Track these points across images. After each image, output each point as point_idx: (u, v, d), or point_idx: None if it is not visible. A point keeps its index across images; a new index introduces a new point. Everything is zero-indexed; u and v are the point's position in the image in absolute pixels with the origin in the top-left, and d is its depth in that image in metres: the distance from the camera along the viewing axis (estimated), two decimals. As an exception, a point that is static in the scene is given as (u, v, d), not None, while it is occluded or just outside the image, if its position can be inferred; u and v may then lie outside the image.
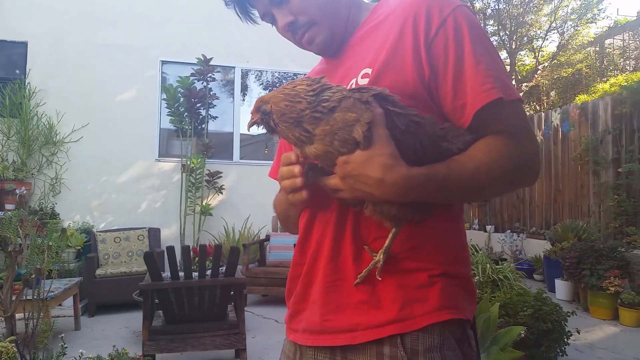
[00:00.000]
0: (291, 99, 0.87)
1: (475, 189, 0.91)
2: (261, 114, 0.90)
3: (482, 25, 0.98)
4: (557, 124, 7.98)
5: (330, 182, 0.90)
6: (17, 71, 7.29)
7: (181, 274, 3.66)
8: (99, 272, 5.82)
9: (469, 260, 1.05)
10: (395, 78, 0.95)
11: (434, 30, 0.94)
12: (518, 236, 7.89)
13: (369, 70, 0.98)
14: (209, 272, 3.70)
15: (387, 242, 0.92)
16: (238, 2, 1.12)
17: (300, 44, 1.10)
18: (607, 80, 10.66)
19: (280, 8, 1.06)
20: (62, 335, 3.50)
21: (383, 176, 0.82)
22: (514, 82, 11.94)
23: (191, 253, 3.92)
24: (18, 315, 3.71)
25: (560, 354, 3.72)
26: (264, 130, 0.93)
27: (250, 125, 0.95)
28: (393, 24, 0.99)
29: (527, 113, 12.09)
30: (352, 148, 0.84)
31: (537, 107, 12.95)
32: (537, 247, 7.50)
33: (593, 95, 9.98)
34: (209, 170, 7.56)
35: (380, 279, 0.92)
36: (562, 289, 6.10)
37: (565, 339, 3.71)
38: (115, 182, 7.49)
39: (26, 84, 7.07)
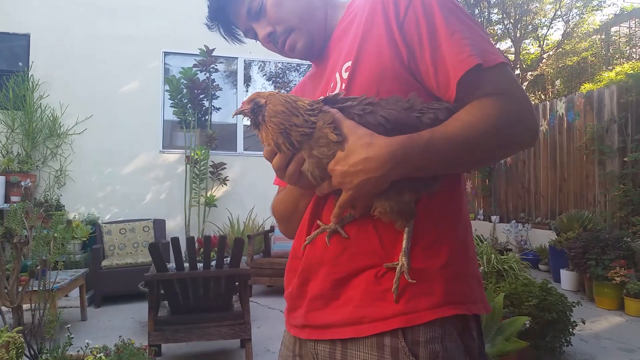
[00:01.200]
0: (290, 108, 0.88)
1: (466, 149, 0.88)
2: (253, 105, 0.91)
3: None
4: (562, 113, 7.93)
5: (340, 200, 0.92)
6: (20, 63, 7.28)
7: (186, 264, 3.66)
8: (104, 263, 5.85)
9: (475, 255, 1.04)
10: (374, 66, 0.96)
11: (403, 11, 0.94)
12: (523, 226, 7.88)
13: (349, 64, 0.99)
14: (213, 263, 3.71)
15: (404, 244, 0.91)
16: (222, 24, 1.16)
17: (283, 52, 1.12)
18: (613, 68, 10.58)
19: (259, 21, 1.09)
20: (69, 325, 3.52)
21: (367, 154, 0.84)
22: (518, 71, 11.86)
23: (196, 244, 3.93)
24: (25, 307, 3.74)
25: (565, 344, 3.72)
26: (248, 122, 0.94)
27: (237, 112, 0.95)
28: (364, 14, 1.00)
29: (532, 102, 12.03)
30: (334, 153, 0.88)
31: (542, 96, 12.88)
32: (542, 237, 7.49)
33: (598, 84, 9.91)
34: (213, 162, 7.56)
35: (412, 281, 0.89)
36: (567, 279, 6.09)
37: (571, 329, 3.70)
38: (120, 173, 7.50)
39: (29, 76, 7.07)
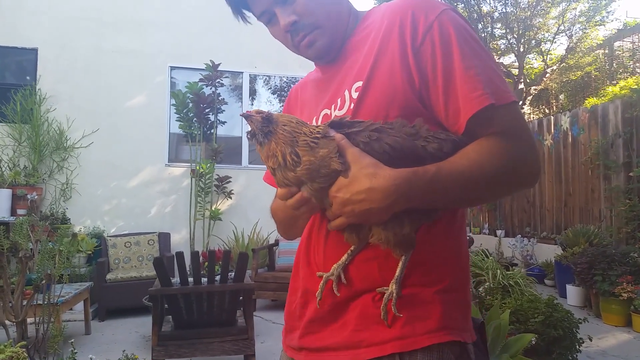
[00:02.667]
0: (296, 128, 0.89)
1: (469, 188, 0.89)
2: (264, 115, 0.91)
3: (470, 28, 0.97)
4: (567, 128, 7.93)
5: (335, 223, 0.92)
6: (28, 77, 7.36)
7: (190, 279, 3.66)
8: (109, 276, 5.85)
9: (469, 278, 1.04)
10: (385, 89, 0.95)
11: (421, 37, 0.93)
12: (529, 241, 7.84)
13: (360, 84, 0.98)
14: (218, 277, 3.70)
15: (397, 271, 0.91)
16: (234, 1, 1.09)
17: (297, 47, 1.06)
18: (617, 83, 10.59)
19: (284, 7, 1.01)
20: (72, 340, 3.51)
21: (370, 184, 0.84)
22: (522, 86, 11.88)
23: (200, 258, 3.94)
24: (29, 320, 3.74)
25: (572, 360, 3.68)
26: (250, 135, 0.93)
27: (246, 115, 0.92)
28: (379, 33, 0.98)
29: (536, 116, 12.03)
30: (335, 179, 0.88)
31: (547, 111, 12.89)
32: (548, 252, 7.44)
33: (603, 98, 9.92)
34: (218, 175, 7.58)
35: (399, 315, 0.90)
36: (573, 294, 6.04)
37: (577, 346, 3.67)
38: (126, 187, 7.53)
39: (37, 90, 7.14)
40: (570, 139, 7.84)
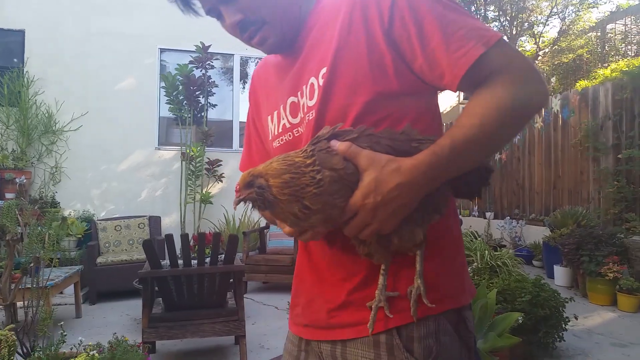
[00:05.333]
0: (294, 172, 0.83)
1: (488, 140, 0.87)
2: (256, 188, 0.84)
3: None
4: (557, 110, 7.95)
5: (366, 233, 0.87)
6: (15, 59, 7.26)
7: (180, 262, 3.67)
8: (100, 260, 5.84)
9: (461, 242, 1.06)
10: (351, 74, 0.93)
11: (388, 16, 0.91)
12: (517, 223, 7.90)
13: (324, 70, 0.96)
14: (208, 259, 3.71)
15: (417, 266, 0.92)
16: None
17: (249, 43, 1.04)
18: (608, 65, 10.61)
19: (228, 5, 0.99)
20: (62, 322, 3.52)
21: (399, 179, 0.83)
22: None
23: (191, 241, 3.94)
24: (19, 304, 3.74)
25: (558, 339, 3.74)
26: (252, 207, 0.88)
27: (238, 202, 0.87)
28: (338, 17, 0.96)
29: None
30: (350, 194, 0.84)
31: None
32: (536, 234, 7.51)
33: (594, 81, 9.93)
34: (208, 159, 7.56)
35: (432, 305, 0.90)
36: (560, 275, 6.11)
37: (563, 325, 3.72)
38: (116, 170, 7.49)
39: (24, 72, 7.05)
40: (560, 122, 7.87)
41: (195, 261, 3.68)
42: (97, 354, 2.95)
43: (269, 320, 4.89)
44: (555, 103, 8.01)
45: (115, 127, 7.41)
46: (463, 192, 0.99)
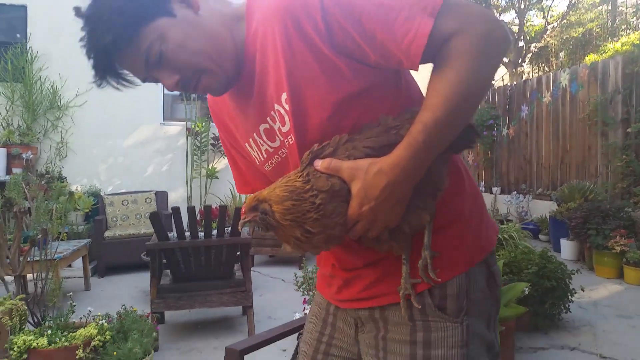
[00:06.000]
0: (296, 198, 0.85)
1: (460, 107, 0.84)
2: (260, 213, 0.88)
3: None
4: (566, 85, 7.85)
5: (373, 233, 0.89)
6: (18, 35, 7.21)
7: (187, 234, 3.68)
8: (107, 234, 5.88)
9: (479, 198, 1.07)
10: (313, 92, 0.90)
11: (322, 23, 0.87)
12: (524, 197, 7.87)
13: (285, 95, 0.91)
14: (215, 232, 3.72)
15: (425, 239, 0.93)
16: (111, 74, 0.96)
17: (197, 93, 1.02)
18: (619, 39, 10.45)
19: (160, 69, 0.92)
20: (71, 293, 3.56)
21: (386, 180, 0.83)
22: (521, 43, 11.70)
23: (198, 216, 3.96)
24: (29, 277, 3.78)
25: (564, 310, 3.75)
26: (257, 228, 0.91)
27: (244, 223, 0.90)
28: (276, 36, 0.90)
29: (536, 74, 11.89)
30: (346, 207, 0.87)
31: (546, 69, 12.73)
32: (543, 208, 7.49)
33: (603, 55, 9.80)
34: (214, 134, 7.53)
35: (438, 280, 0.93)
36: (567, 248, 6.11)
37: (570, 296, 3.73)
38: (121, 146, 7.50)
39: (28, 48, 7.00)
40: (568, 96, 7.77)
41: (202, 233, 3.70)
42: (106, 324, 2.99)
43: (276, 292, 4.93)
44: (564, 77, 7.90)
45: (120, 103, 7.36)
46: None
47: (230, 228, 3.81)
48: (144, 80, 0.98)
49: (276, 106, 0.94)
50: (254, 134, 1.03)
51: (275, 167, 1.03)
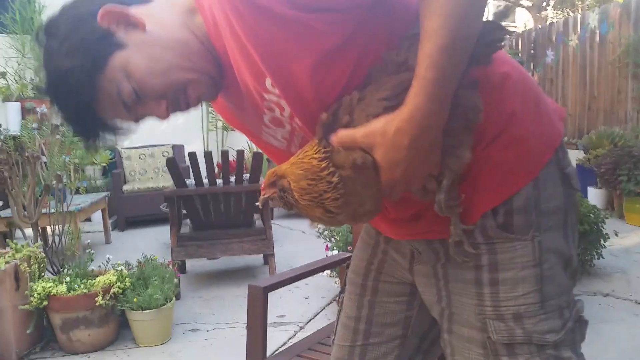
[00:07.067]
0: (311, 177, 0.79)
1: (470, 14, 0.71)
2: (279, 190, 0.82)
3: None
4: (595, 26, 7.46)
5: (416, 184, 0.79)
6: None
7: (206, 181, 3.59)
8: (126, 187, 5.85)
9: (530, 81, 0.90)
10: (298, 66, 0.77)
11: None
12: (549, 146, 7.65)
13: (268, 81, 0.80)
14: (233, 179, 3.63)
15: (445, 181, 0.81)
16: (98, 131, 0.89)
17: (192, 107, 0.91)
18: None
19: (147, 103, 0.85)
20: (89, 241, 3.51)
21: (407, 139, 0.72)
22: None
23: (215, 169, 3.87)
24: (48, 231, 3.74)
25: (597, 256, 3.62)
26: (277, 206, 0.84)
27: (264, 200, 0.85)
28: (228, 23, 0.78)
29: (560, 18, 11.40)
30: (375, 175, 0.78)
31: (570, 14, 12.18)
32: (569, 157, 7.27)
33: (635, -5, 9.28)
34: (229, 85, 7.40)
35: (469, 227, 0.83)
36: (595, 197, 5.93)
37: (602, 241, 3.59)
38: (136, 99, 7.38)
39: (35, -3, 6.82)
40: (597, 38, 7.40)
41: (221, 181, 3.61)
42: (125, 270, 2.94)
43: (297, 242, 4.87)
44: (593, 18, 7.51)
45: (133, 55, 7.23)
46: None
47: (248, 175, 3.70)
48: (136, 121, 0.91)
49: (266, 95, 0.84)
50: (263, 127, 0.95)
51: (301, 146, 0.92)
